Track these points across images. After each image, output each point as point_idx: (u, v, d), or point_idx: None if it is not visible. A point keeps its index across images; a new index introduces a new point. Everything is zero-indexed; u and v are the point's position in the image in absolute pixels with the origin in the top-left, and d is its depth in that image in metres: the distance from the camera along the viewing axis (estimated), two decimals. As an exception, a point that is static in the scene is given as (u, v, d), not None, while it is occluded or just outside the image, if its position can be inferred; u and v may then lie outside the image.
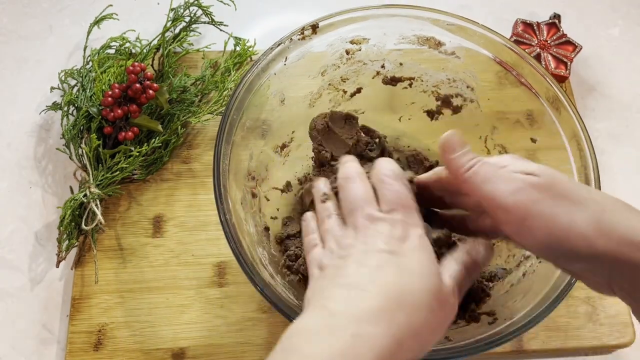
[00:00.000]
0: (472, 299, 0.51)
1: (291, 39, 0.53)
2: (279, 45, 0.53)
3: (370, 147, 0.60)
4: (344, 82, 0.60)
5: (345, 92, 0.61)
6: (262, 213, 0.55)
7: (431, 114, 0.61)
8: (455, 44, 0.55)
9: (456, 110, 0.60)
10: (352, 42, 0.57)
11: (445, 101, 0.60)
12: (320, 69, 0.58)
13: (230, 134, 0.49)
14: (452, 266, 0.37)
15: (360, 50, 0.57)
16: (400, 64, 0.59)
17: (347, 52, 0.57)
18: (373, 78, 0.60)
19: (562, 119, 0.50)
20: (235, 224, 0.46)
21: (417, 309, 0.32)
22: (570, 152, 0.49)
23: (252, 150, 0.54)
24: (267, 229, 0.55)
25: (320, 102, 0.60)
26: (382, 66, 0.59)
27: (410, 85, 0.60)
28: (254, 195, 0.53)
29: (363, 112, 0.62)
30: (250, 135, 0.53)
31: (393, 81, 0.60)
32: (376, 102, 0.62)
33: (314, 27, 0.54)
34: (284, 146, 0.59)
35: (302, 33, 0.53)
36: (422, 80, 0.60)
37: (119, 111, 0.61)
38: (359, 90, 0.61)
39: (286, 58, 0.53)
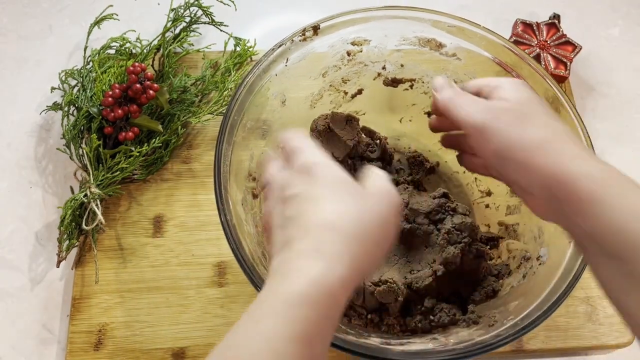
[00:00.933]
0: (487, 296, 0.51)
1: (292, 40, 0.53)
2: (280, 46, 0.53)
3: (371, 149, 0.60)
4: (345, 83, 0.60)
5: (346, 93, 0.61)
6: (262, 214, 0.55)
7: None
8: (456, 46, 0.55)
9: None
10: (353, 44, 0.57)
11: None
12: (321, 70, 0.58)
13: (231, 135, 0.49)
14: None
15: (361, 51, 0.57)
16: (401, 66, 0.59)
17: (348, 54, 0.57)
18: (374, 79, 0.60)
19: (561, 118, 0.50)
20: (236, 224, 0.46)
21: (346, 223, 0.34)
22: None
23: (253, 151, 0.54)
24: None
25: (321, 103, 0.60)
26: (383, 67, 0.59)
27: (411, 86, 0.60)
28: (254, 196, 0.53)
29: (364, 114, 0.62)
30: (251, 136, 0.53)
31: (394, 82, 0.60)
32: (377, 103, 0.62)
33: (315, 29, 0.54)
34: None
35: (304, 34, 0.53)
36: (423, 82, 0.60)
37: (120, 111, 0.61)
38: (360, 92, 0.61)
39: (287, 59, 0.53)
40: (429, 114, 0.61)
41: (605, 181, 0.36)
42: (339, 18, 0.54)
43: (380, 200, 0.36)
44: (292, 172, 0.37)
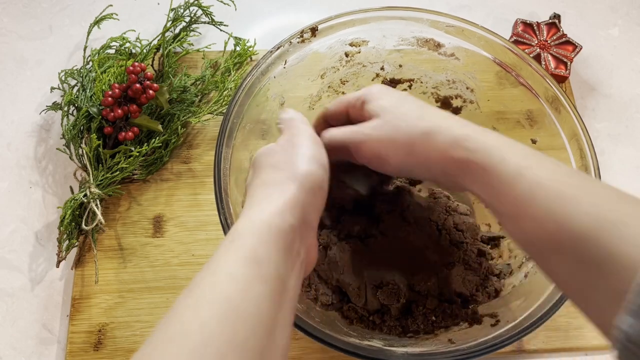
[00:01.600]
0: (489, 296, 0.51)
1: (291, 42, 0.53)
2: (278, 48, 0.53)
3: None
4: (344, 84, 0.60)
5: (344, 94, 0.60)
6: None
7: None
8: (455, 46, 0.55)
9: (456, 111, 0.60)
10: (351, 45, 0.57)
11: (445, 102, 0.60)
12: (319, 71, 0.58)
13: (231, 138, 0.49)
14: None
15: (359, 52, 0.57)
16: (400, 66, 0.59)
17: (347, 55, 0.57)
18: (372, 80, 0.60)
19: (561, 119, 0.50)
20: None
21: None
22: (571, 153, 0.49)
23: (252, 152, 0.54)
24: None
25: (320, 104, 0.60)
26: (382, 68, 0.59)
27: (409, 86, 0.60)
28: None
29: None
30: (250, 137, 0.53)
31: (392, 83, 0.60)
32: None
33: (314, 30, 0.54)
34: None
35: (302, 36, 0.53)
36: (421, 82, 0.60)
37: (119, 111, 0.61)
38: None
39: (285, 61, 0.54)
40: None
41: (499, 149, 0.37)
42: (337, 19, 0.54)
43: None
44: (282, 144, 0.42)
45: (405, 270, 0.53)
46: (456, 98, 0.59)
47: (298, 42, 0.54)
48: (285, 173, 0.38)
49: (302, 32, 0.53)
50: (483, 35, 0.54)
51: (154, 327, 0.30)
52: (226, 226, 0.45)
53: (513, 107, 0.55)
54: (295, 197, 0.36)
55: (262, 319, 0.30)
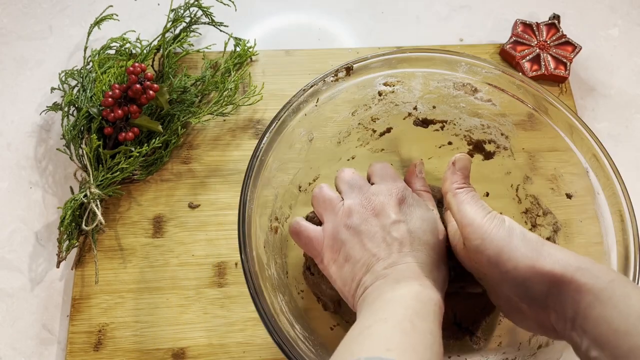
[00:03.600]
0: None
1: (324, 80, 0.52)
2: (311, 86, 0.51)
3: None
4: (374, 121, 0.58)
5: (374, 131, 0.59)
6: (283, 254, 0.54)
7: None
8: (492, 92, 0.53)
9: (488, 156, 0.58)
10: (385, 84, 0.55)
11: (478, 146, 0.58)
12: (351, 109, 0.56)
13: (257, 177, 0.48)
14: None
15: (393, 92, 0.55)
16: (433, 107, 0.57)
17: (380, 94, 0.55)
18: (404, 119, 0.58)
19: (601, 176, 0.49)
20: (258, 271, 0.45)
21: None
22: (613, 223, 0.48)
23: (278, 190, 0.53)
24: (286, 272, 0.54)
25: (349, 140, 0.58)
26: (415, 108, 0.57)
27: (442, 127, 0.58)
28: (276, 231, 0.52)
29: (393, 152, 0.60)
30: (277, 175, 0.52)
31: (424, 123, 0.58)
32: (405, 142, 0.60)
33: (348, 70, 0.52)
34: (309, 184, 0.58)
35: (336, 75, 0.52)
36: (454, 124, 0.57)
37: (119, 112, 0.61)
38: (388, 130, 0.59)
39: (318, 99, 0.52)
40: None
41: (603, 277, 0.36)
42: (373, 59, 0.53)
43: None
44: (389, 199, 0.47)
45: None
46: (489, 143, 0.57)
47: (332, 81, 0.52)
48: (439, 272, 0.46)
49: (337, 71, 0.52)
50: (521, 84, 0.52)
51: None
52: (248, 273, 0.43)
53: (549, 159, 0.54)
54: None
55: None
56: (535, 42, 0.74)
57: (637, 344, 0.32)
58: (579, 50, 0.73)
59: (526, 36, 0.74)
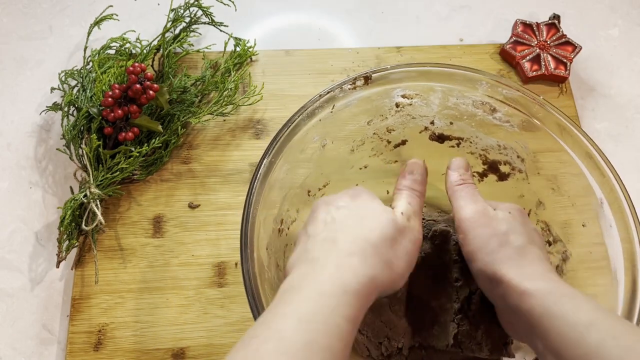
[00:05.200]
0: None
1: (342, 87, 0.51)
2: (328, 92, 0.51)
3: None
4: (390, 132, 0.57)
5: (389, 142, 0.58)
6: (286, 257, 0.53)
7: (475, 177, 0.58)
8: (511, 113, 0.53)
9: (502, 177, 0.57)
10: (403, 97, 0.54)
11: (492, 166, 0.57)
12: (366, 118, 0.55)
13: (266, 178, 0.48)
14: (400, 204, 0.45)
15: (411, 105, 0.55)
16: (451, 123, 0.56)
17: (397, 105, 0.55)
18: (420, 132, 0.57)
19: (614, 210, 0.48)
20: (257, 273, 0.44)
21: (380, 240, 0.40)
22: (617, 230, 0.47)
23: (286, 192, 0.52)
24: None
25: (363, 149, 0.57)
26: (432, 122, 0.56)
27: (458, 144, 0.57)
28: (280, 233, 0.51)
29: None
30: (286, 178, 0.51)
31: (440, 138, 0.57)
32: (420, 156, 0.59)
33: (367, 79, 0.52)
34: (319, 189, 0.57)
35: (354, 84, 0.52)
36: (471, 142, 0.56)
37: (119, 112, 0.61)
38: (403, 142, 0.58)
39: (334, 106, 0.52)
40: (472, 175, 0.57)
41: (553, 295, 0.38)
42: (393, 70, 0.52)
43: (409, 234, 0.42)
44: (344, 193, 0.45)
45: (414, 324, 0.50)
46: (505, 164, 0.56)
47: (349, 89, 0.52)
48: (374, 250, 0.40)
49: (355, 79, 0.51)
50: (540, 108, 0.51)
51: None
52: (247, 279, 0.43)
53: (566, 187, 0.53)
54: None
55: None
56: (536, 42, 0.74)
57: (586, 353, 0.34)
58: (579, 50, 0.73)
59: (526, 36, 0.74)
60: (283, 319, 0.33)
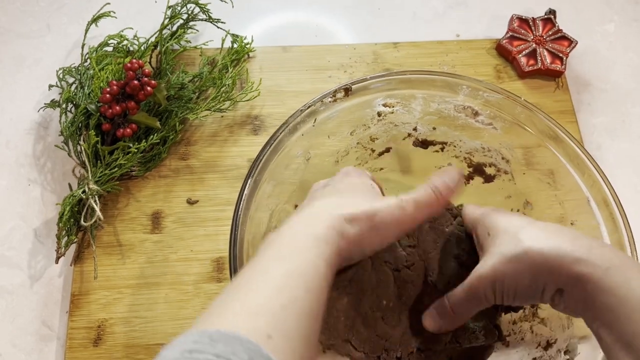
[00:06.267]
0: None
1: (322, 101, 0.51)
2: (308, 107, 0.51)
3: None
4: (373, 141, 0.57)
5: (373, 150, 0.58)
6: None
7: None
8: (493, 115, 0.53)
9: (488, 179, 0.57)
10: (385, 105, 0.54)
11: (478, 169, 0.57)
12: (349, 129, 0.55)
13: (252, 196, 0.47)
14: (410, 192, 0.44)
15: (392, 113, 0.55)
16: (434, 128, 0.56)
17: (379, 114, 0.55)
18: (404, 139, 0.57)
19: (603, 212, 0.48)
20: None
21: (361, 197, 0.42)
22: (602, 222, 0.48)
23: (273, 209, 0.52)
24: None
25: (347, 159, 0.58)
26: (414, 129, 0.56)
27: (442, 149, 0.58)
28: None
29: (392, 171, 0.60)
30: (273, 193, 0.51)
31: (424, 144, 0.57)
32: (404, 162, 0.60)
33: (347, 91, 0.52)
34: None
35: (334, 96, 0.52)
36: (454, 146, 0.57)
37: (117, 108, 0.61)
38: (387, 150, 0.58)
39: (315, 119, 0.52)
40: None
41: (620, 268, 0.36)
42: (372, 80, 0.52)
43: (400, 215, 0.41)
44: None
45: (411, 329, 0.48)
46: (490, 166, 0.56)
47: (330, 102, 0.52)
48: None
49: (335, 91, 0.51)
50: (523, 110, 0.52)
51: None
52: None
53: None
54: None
55: None
56: (532, 37, 0.74)
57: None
58: (575, 45, 0.74)
59: (522, 31, 0.74)
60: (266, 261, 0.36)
